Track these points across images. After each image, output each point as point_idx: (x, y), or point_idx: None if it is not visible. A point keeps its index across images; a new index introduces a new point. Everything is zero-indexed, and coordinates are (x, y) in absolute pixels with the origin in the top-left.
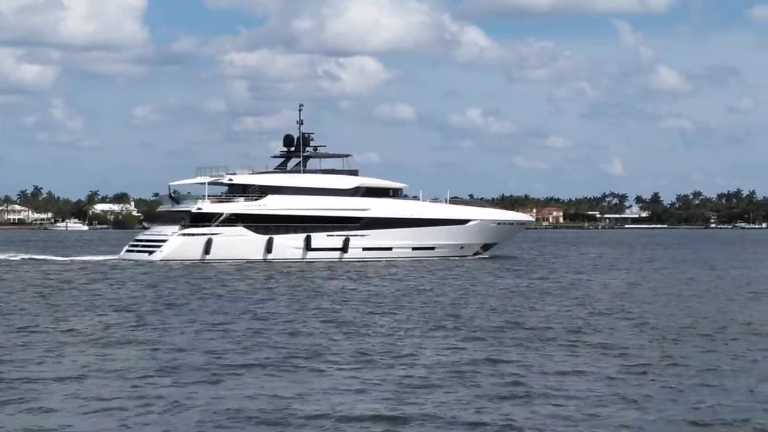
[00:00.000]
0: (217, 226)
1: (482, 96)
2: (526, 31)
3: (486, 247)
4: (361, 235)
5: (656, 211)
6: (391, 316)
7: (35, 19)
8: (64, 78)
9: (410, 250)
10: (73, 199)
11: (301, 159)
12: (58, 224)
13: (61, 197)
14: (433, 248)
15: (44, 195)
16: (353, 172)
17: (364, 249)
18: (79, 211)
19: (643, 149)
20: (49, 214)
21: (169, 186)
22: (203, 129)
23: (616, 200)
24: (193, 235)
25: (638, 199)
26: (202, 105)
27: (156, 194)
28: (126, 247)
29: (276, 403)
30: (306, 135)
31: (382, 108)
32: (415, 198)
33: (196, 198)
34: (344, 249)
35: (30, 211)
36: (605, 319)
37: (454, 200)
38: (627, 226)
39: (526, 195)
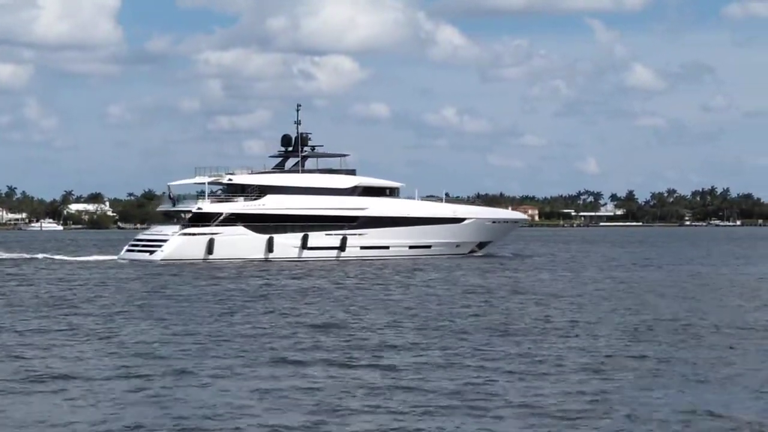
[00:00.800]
0: (216, 225)
1: (457, 95)
2: (501, 30)
3: (481, 245)
4: (359, 234)
5: (631, 209)
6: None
7: (8, 18)
8: (37, 77)
9: (407, 248)
10: (48, 199)
11: (299, 159)
12: (33, 224)
13: (35, 197)
14: (429, 247)
15: (18, 195)
16: (351, 172)
17: (362, 248)
18: (54, 211)
19: (618, 147)
20: (24, 215)
21: (168, 186)
22: (178, 128)
23: (591, 198)
24: (194, 234)
25: (613, 197)
26: (176, 104)
27: (130, 194)
28: (126, 247)
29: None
30: (304, 135)
31: (357, 107)
32: (410, 198)
33: (196, 198)
34: (341, 248)
35: (4, 212)
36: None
37: (450, 199)
38: (602, 224)
39: (501, 193)
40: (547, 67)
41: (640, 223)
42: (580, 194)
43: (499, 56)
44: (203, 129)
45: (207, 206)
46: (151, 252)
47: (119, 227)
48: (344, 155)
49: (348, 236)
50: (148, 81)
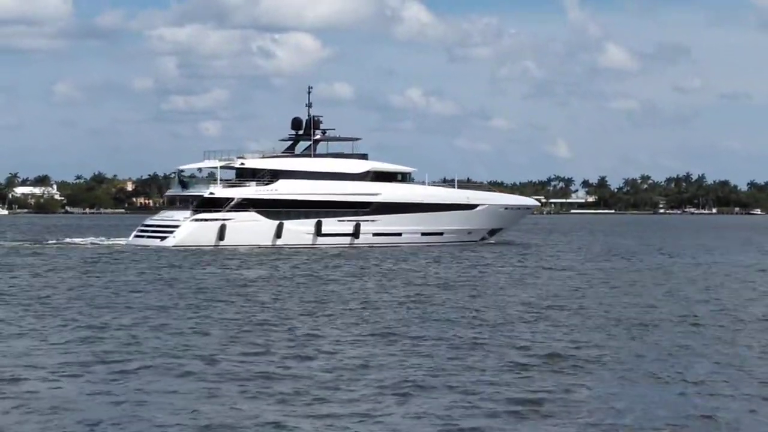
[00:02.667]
0: (228, 211)
1: (423, 75)
2: (470, 7)
3: (492, 232)
4: (372, 221)
5: (603, 195)
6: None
7: None
8: None
9: (419, 235)
10: None
11: (311, 142)
12: None
13: None
14: (441, 234)
15: None
16: (363, 156)
17: (374, 234)
18: None
19: (590, 131)
20: None
21: (178, 169)
22: (129, 108)
23: (561, 184)
24: (206, 220)
25: (585, 183)
26: (128, 82)
27: (79, 177)
28: (135, 232)
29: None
30: (315, 118)
31: (319, 87)
32: (423, 183)
33: (207, 182)
34: (355, 234)
35: None
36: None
37: (463, 184)
38: (573, 211)
39: (468, 178)
40: (517, 47)
41: (613, 211)
42: (550, 180)
43: (467, 35)
44: (156, 109)
45: (219, 191)
46: (162, 238)
47: (67, 211)
48: (356, 139)
49: (361, 223)
50: (98, 57)
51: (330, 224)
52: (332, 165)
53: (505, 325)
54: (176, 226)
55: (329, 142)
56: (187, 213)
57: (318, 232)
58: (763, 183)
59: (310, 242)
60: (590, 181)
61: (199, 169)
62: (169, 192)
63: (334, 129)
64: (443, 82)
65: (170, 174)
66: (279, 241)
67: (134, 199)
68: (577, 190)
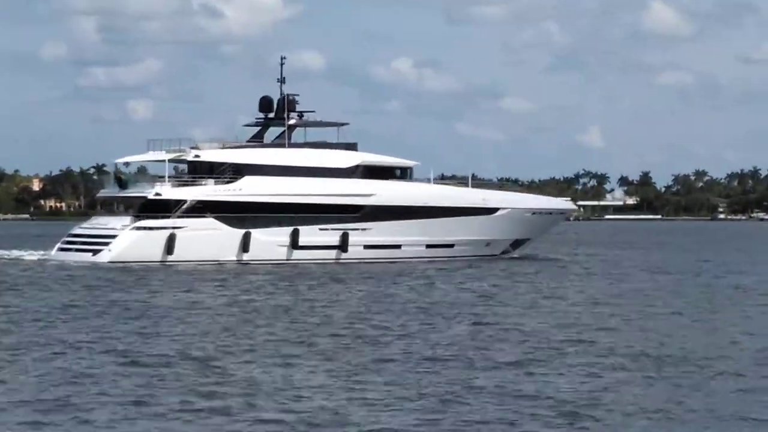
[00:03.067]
0: (179, 216)
1: (415, 42)
2: None
3: (516, 244)
4: (363, 229)
5: (646, 196)
6: None
7: None
8: None
9: (424, 248)
10: None
11: (285, 129)
12: None
13: None
14: (452, 246)
15: None
16: (351, 146)
17: (366, 247)
18: None
19: (630, 113)
20: None
21: (115, 164)
22: (36, 83)
23: (593, 182)
24: (151, 228)
25: (623, 181)
26: (34, 51)
27: None
28: (59, 245)
29: None
30: (290, 97)
31: (280, 56)
32: (427, 180)
33: (152, 180)
34: (342, 247)
35: None
36: None
37: (477, 182)
38: (608, 216)
39: (473, 175)
40: (536, 5)
41: (659, 216)
42: (578, 177)
43: None
44: (71, 85)
45: (167, 191)
46: (95, 251)
47: None
48: (343, 124)
49: (350, 232)
50: None
51: (310, 234)
52: (312, 158)
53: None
54: (112, 237)
55: (308, 128)
56: (127, 219)
57: (294, 243)
58: None
59: (285, 257)
60: (630, 179)
61: (143, 168)
62: (103, 193)
63: (314, 111)
64: (441, 51)
65: (88, 169)
66: (246, 256)
67: (42, 202)
68: (612, 190)
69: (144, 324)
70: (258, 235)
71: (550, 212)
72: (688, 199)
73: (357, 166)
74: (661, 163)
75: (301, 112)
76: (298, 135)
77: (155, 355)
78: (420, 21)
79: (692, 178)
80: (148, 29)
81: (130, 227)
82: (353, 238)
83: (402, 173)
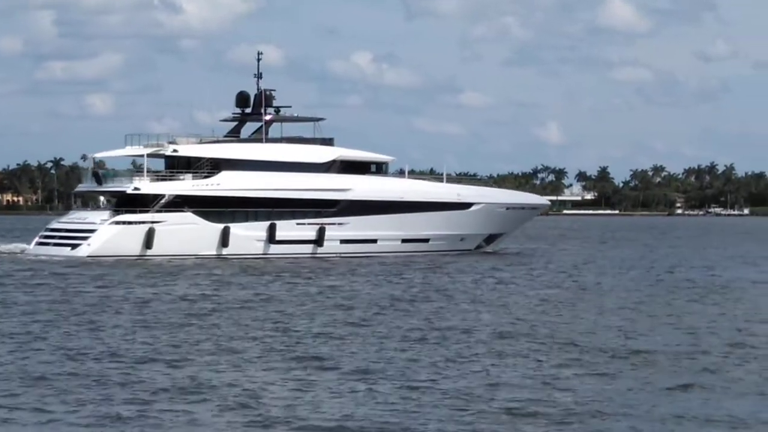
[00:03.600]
0: (157, 211)
1: (374, 36)
2: None
3: (490, 239)
4: (339, 224)
5: (604, 191)
6: None
7: None
8: None
9: (399, 242)
10: None
11: (262, 124)
12: None
13: None
14: (427, 240)
15: None
16: (327, 142)
17: (342, 241)
18: None
19: (588, 109)
20: None
21: (92, 158)
22: None
23: (551, 177)
24: (130, 223)
25: (581, 176)
26: None
27: None
28: (36, 239)
29: None
30: (267, 93)
31: (238, 50)
32: (402, 173)
33: (130, 174)
34: (318, 242)
35: None
36: None
37: (450, 178)
38: (566, 211)
39: (431, 169)
40: (494, 0)
41: (617, 212)
42: (536, 172)
43: None
44: (28, 79)
45: (146, 186)
46: (74, 246)
47: None
48: (319, 119)
49: (326, 226)
50: None
51: (286, 228)
52: (290, 153)
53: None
54: (91, 231)
55: (284, 123)
56: (105, 214)
57: (271, 238)
58: None
59: (261, 251)
60: (588, 174)
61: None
62: (81, 187)
63: (290, 107)
64: (399, 45)
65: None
66: (225, 251)
67: None
68: (570, 185)
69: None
70: (236, 229)
71: (523, 207)
72: (645, 194)
73: (333, 161)
74: (619, 158)
75: (277, 107)
76: (274, 130)
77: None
78: (379, 16)
79: (650, 173)
80: (106, 23)
81: (108, 222)
82: (330, 232)
83: (378, 168)
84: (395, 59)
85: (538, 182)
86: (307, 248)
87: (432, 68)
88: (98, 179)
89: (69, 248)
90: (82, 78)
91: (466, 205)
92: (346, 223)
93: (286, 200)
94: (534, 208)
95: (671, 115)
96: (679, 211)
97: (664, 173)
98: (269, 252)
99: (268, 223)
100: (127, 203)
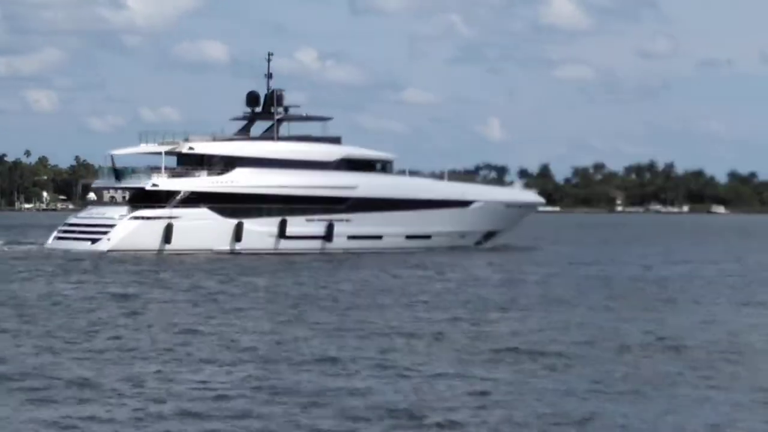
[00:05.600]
0: (174, 207)
1: (318, 33)
2: None
3: (488, 235)
4: (347, 220)
5: (545, 188)
6: None
7: None
8: None
9: (403, 238)
10: None
11: (274, 122)
12: None
13: None
14: (429, 237)
15: None
16: (335, 140)
17: (350, 237)
18: None
19: (530, 106)
20: None
21: (111, 156)
22: None
23: (493, 174)
24: (148, 218)
25: (522, 173)
26: None
27: None
28: (55, 234)
29: None
30: (278, 92)
31: (183, 47)
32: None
33: (149, 171)
34: (328, 237)
35: None
36: None
37: (453, 176)
38: None
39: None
40: None
41: (557, 209)
42: (479, 169)
43: None
44: None
45: (164, 182)
46: (94, 240)
47: None
48: (328, 118)
49: (335, 223)
50: None
51: (296, 224)
52: (300, 151)
53: None
54: (111, 226)
55: (291, 122)
56: (123, 209)
57: (282, 233)
58: (747, 174)
59: (272, 246)
60: (529, 171)
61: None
62: (98, 182)
63: (299, 106)
64: (344, 42)
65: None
66: (238, 245)
67: None
68: (512, 182)
69: None
70: (249, 225)
71: (520, 205)
72: (586, 191)
73: (341, 160)
74: (561, 155)
75: (287, 106)
76: (282, 129)
77: None
78: (323, 12)
79: (591, 170)
80: (48, 18)
81: (128, 217)
82: (338, 228)
83: (383, 166)
84: (339, 56)
85: (479, 179)
86: (317, 244)
87: (376, 65)
88: (117, 175)
89: (89, 242)
90: (24, 73)
91: (467, 203)
92: (353, 219)
93: (297, 197)
94: (531, 205)
95: (612, 113)
96: (620, 208)
97: (605, 171)
98: (280, 247)
99: (279, 219)
100: (142, 199)
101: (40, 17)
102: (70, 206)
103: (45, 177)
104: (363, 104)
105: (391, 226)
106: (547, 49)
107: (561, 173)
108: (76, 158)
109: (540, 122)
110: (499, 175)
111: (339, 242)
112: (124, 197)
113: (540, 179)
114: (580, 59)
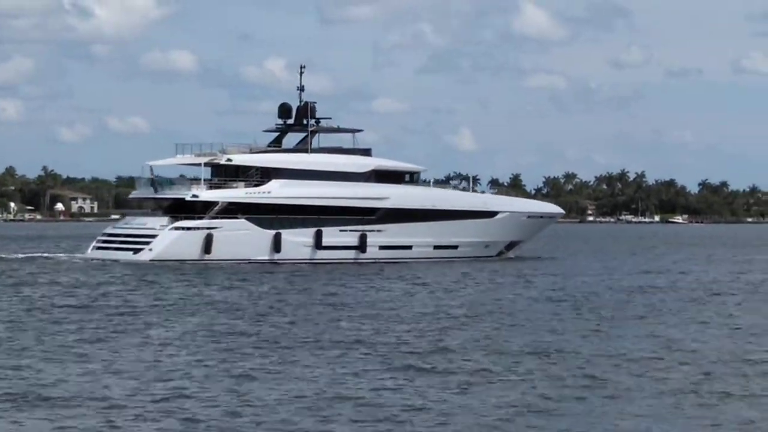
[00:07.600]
0: (212, 218)
1: (288, 42)
2: None
3: (510, 245)
4: (378, 231)
5: None
6: None
7: None
8: None
9: (432, 249)
10: None
11: (307, 134)
12: None
13: None
14: (456, 247)
15: None
16: (366, 152)
17: (381, 247)
18: None
19: (502, 116)
20: None
21: (150, 167)
22: None
23: (464, 184)
24: (189, 229)
25: (493, 183)
26: None
27: None
28: (94, 243)
29: None
30: (311, 104)
31: (152, 56)
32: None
33: (189, 182)
34: (361, 247)
35: None
36: None
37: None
38: None
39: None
40: (409, 6)
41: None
42: (449, 179)
43: None
44: None
45: (204, 193)
46: (136, 250)
47: None
48: (358, 130)
49: (367, 233)
50: None
51: (331, 235)
52: (333, 162)
53: None
54: (152, 236)
55: (320, 135)
56: (164, 220)
57: (318, 244)
58: (718, 183)
59: (309, 256)
60: (500, 181)
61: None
62: (136, 193)
63: (330, 118)
64: (313, 51)
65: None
66: (277, 255)
67: None
68: (483, 192)
69: None
70: (287, 235)
71: (542, 216)
72: (557, 201)
73: (372, 171)
74: (532, 165)
75: (318, 118)
76: (314, 141)
77: None
78: (293, 22)
79: (562, 180)
80: (16, 27)
81: (168, 227)
82: (370, 239)
83: (411, 177)
84: (309, 65)
85: (450, 189)
86: (351, 254)
87: (345, 74)
88: (155, 186)
89: (131, 252)
90: None
91: (491, 214)
92: (384, 230)
93: (331, 208)
94: (552, 216)
95: (583, 123)
96: (591, 218)
97: (576, 180)
98: (316, 257)
99: (314, 229)
100: (179, 210)
101: (8, 26)
102: (38, 217)
103: (12, 187)
104: (332, 113)
105: (421, 237)
106: (519, 59)
107: (532, 183)
108: (44, 168)
109: (511, 132)
110: (469, 185)
111: (371, 252)
112: (159, 207)
113: (511, 189)
114: (552, 69)
